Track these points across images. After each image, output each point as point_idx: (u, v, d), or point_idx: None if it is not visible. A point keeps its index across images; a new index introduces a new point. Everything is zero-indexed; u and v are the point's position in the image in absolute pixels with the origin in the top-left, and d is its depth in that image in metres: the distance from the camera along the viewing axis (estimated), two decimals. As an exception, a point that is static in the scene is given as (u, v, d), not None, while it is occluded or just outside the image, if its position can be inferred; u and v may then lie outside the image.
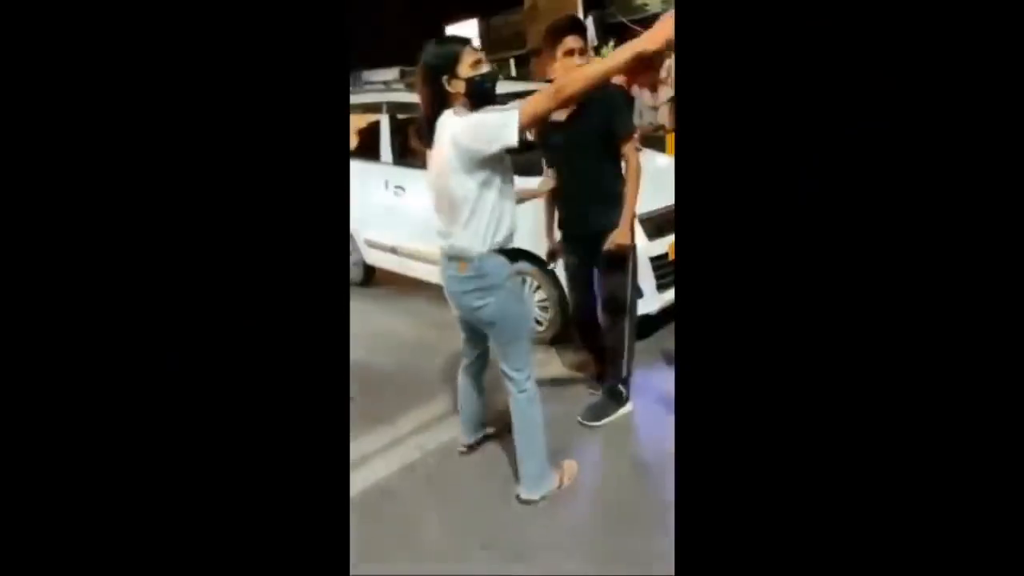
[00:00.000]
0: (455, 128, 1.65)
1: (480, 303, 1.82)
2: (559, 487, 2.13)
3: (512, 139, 1.57)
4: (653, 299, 3.07)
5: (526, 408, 2.03)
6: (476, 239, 1.75)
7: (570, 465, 2.21)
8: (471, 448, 2.43)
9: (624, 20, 10.20)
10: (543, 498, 2.08)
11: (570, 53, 2.16)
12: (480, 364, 2.26)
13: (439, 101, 1.70)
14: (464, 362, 2.26)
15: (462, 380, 2.31)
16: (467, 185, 1.68)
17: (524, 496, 2.09)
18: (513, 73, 12.12)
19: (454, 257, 1.80)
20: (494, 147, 1.61)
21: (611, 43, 10.69)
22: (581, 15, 9.37)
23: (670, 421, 2.49)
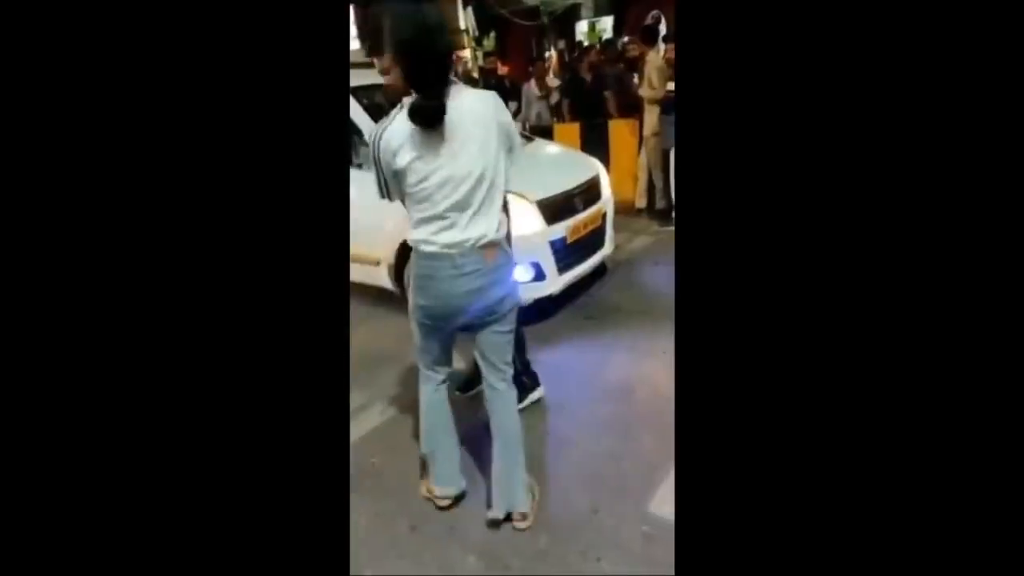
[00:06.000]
0: (493, 108, 1.57)
1: (503, 292, 1.69)
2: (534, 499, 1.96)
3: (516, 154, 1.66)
4: (554, 281, 3.21)
5: (514, 406, 1.87)
6: (494, 224, 1.62)
7: (527, 478, 1.97)
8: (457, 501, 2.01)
9: (503, 12, 10.34)
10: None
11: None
12: (448, 378, 1.93)
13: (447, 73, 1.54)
14: (434, 383, 1.90)
15: (436, 406, 1.92)
16: (503, 167, 1.60)
17: (519, 511, 1.88)
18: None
19: (480, 247, 1.60)
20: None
21: (491, 34, 10.83)
22: (459, 7, 9.40)
23: (576, 393, 2.63)
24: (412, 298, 1.72)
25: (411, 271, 1.71)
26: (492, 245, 1.61)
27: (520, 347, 2.52)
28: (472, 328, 1.76)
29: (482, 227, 1.58)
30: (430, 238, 1.59)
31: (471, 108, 1.52)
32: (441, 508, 1.98)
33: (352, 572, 1.19)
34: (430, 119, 1.46)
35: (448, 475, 1.97)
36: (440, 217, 1.56)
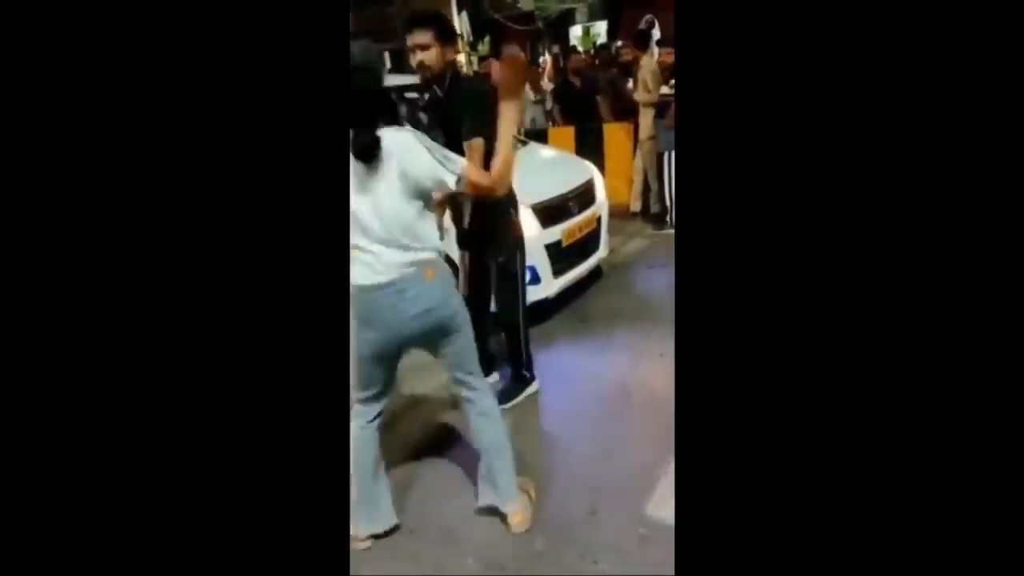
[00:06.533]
0: (409, 151, 1.57)
1: (450, 311, 1.68)
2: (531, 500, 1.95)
3: (450, 186, 1.60)
4: (549, 285, 3.22)
5: (495, 411, 1.85)
6: (429, 245, 1.64)
7: (524, 480, 1.97)
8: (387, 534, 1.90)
9: (498, 17, 10.37)
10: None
11: (422, 48, 2.13)
12: (382, 415, 1.84)
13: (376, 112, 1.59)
14: (364, 419, 1.80)
15: (364, 445, 1.79)
16: (415, 204, 1.61)
17: (512, 505, 1.87)
18: (388, 66, 12.01)
19: (418, 265, 1.62)
20: (432, 185, 1.60)
21: (486, 39, 10.86)
22: (454, 11, 9.42)
23: (573, 395, 2.65)
24: (355, 332, 1.65)
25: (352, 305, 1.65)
26: (427, 264, 1.63)
27: (526, 341, 2.57)
28: (428, 348, 1.76)
29: (408, 255, 1.60)
30: (362, 269, 1.61)
31: (387, 149, 1.54)
32: (362, 549, 1.84)
33: (351, 573, 1.19)
34: (360, 153, 1.51)
35: (372, 515, 1.84)
36: (361, 248, 1.60)
